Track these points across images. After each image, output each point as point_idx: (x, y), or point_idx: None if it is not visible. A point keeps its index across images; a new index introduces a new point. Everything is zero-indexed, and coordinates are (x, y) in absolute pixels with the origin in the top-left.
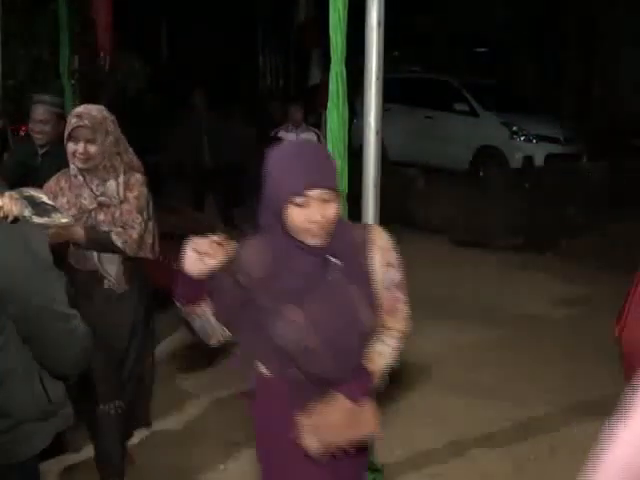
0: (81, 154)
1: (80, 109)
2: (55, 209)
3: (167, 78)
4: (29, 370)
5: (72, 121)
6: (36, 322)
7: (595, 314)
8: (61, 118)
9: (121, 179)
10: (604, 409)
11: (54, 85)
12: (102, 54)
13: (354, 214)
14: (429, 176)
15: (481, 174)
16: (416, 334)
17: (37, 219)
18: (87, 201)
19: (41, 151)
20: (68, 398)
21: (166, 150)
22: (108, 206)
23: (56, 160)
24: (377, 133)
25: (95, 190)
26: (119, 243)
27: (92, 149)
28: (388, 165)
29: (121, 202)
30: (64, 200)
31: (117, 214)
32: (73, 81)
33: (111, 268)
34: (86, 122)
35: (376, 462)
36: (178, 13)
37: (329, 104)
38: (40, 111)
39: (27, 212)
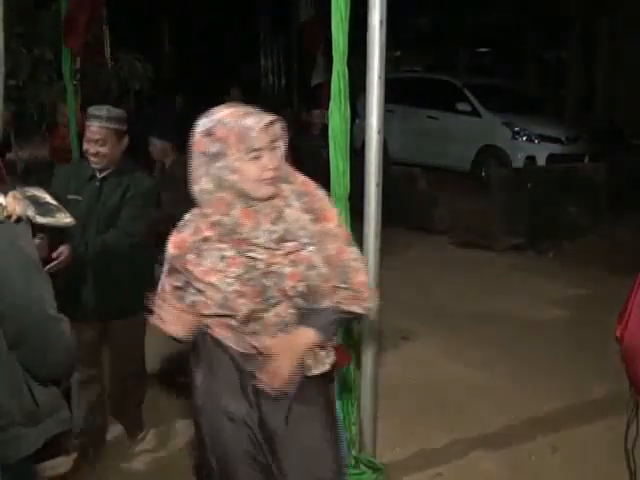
0: (270, 170)
1: (249, 116)
2: (59, 209)
3: (172, 78)
4: (15, 374)
5: (255, 128)
6: (22, 322)
7: (596, 314)
8: (122, 135)
9: (296, 202)
10: (605, 409)
11: (56, 86)
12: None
13: (356, 214)
14: (431, 176)
15: (483, 174)
16: (417, 334)
17: (40, 219)
18: (264, 254)
19: (100, 175)
20: (63, 401)
21: None
22: (297, 252)
23: (119, 188)
24: (379, 133)
25: (270, 233)
26: (357, 308)
27: (276, 164)
28: (390, 165)
29: (315, 241)
30: (221, 263)
31: (316, 260)
32: (75, 81)
33: None
34: (277, 125)
35: (376, 461)
36: (180, 13)
37: (331, 104)
38: (94, 129)
39: (30, 212)
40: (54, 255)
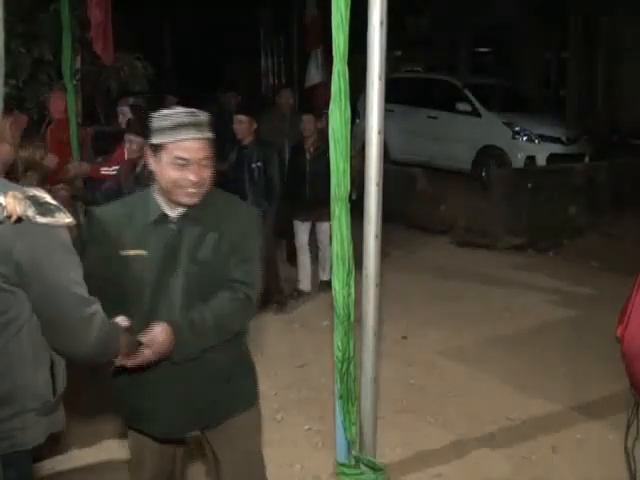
0: None
1: None
2: (59, 209)
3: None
4: (40, 358)
5: None
6: (56, 303)
7: (596, 314)
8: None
9: None
10: (604, 409)
11: (56, 86)
12: (98, 54)
13: (356, 214)
14: (431, 176)
15: (483, 174)
16: (417, 334)
17: (40, 218)
18: None
19: (176, 213)
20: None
21: None
22: None
23: (211, 233)
24: (379, 133)
25: None
26: None
27: None
28: (390, 165)
29: None
30: None
31: None
32: (75, 81)
33: None
34: None
35: (377, 462)
36: (180, 13)
37: (331, 104)
38: (195, 144)
39: (30, 211)
40: (144, 340)
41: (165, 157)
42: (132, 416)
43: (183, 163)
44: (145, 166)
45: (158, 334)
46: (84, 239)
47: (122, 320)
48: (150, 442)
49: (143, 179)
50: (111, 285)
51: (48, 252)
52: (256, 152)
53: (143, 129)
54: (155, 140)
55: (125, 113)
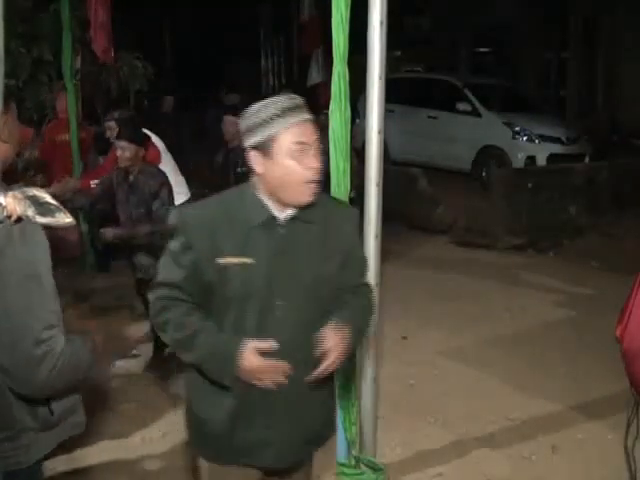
0: None
1: None
2: (59, 209)
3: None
4: None
5: None
6: (6, 330)
7: (596, 314)
8: None
9: None
10: (604, 409)
11: (56, 86)
12: (99, 53)
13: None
14: (431, 176)
15: (483, 174)
16: (417, 334)
17: (40, 218)
18: None
19: (285, 214)
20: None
21: None
22: None
23: (315, 235)
24: (379, 133)
25: None
26: None
27: None
28: (390, 165)
29: None
30: None
31: None
32: (75, 81)
33: None
34: None
35: (377, 461)
36: (180, 13)
37: (331, 104)
38: (309, 125)
39: (30, 211)
40: (327, 347)
41: (278, 149)
42: (233, 451)
43: (303, 148)
44: (139, 172)
45: (336, 344)
46: (175, 244)
47: (259, 344)
48: (246, 475)
49: (138, 188)
50: (206, 296)
51: (8, 271)
52: (241, 157)
53: (134, 135)
54: (258, 137)
55: (112, 128)
